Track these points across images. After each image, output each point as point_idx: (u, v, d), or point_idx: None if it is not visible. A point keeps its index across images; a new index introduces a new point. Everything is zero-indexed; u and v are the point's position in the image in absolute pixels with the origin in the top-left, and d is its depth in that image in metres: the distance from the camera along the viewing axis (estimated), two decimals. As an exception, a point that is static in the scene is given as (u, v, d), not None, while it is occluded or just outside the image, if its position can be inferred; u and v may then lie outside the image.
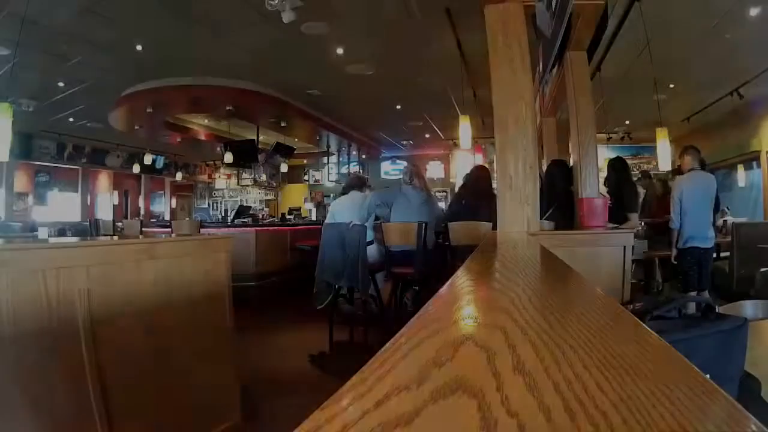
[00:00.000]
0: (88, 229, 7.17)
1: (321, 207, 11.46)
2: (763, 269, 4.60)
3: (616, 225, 3.03)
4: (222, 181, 14.11)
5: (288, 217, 8.99)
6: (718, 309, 1.24)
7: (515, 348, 0.35)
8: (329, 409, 0.25)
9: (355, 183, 4.20)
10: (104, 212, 11.54)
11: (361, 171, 12.27)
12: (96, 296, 1.55)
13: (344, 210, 3.90)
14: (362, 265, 3.24)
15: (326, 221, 4.25)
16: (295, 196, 14.11)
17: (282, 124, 8.20)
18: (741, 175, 7.38)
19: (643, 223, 4.29)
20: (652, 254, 4.05)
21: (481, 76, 5.83)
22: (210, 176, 14.31)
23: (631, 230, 2.61)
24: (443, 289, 0.64)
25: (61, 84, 6.25)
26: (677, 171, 4.70)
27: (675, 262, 3.70)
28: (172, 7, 4.24)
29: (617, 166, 3.80)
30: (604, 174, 3.99)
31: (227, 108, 6.91)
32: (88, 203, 10.99)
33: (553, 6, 1.98)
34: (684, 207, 3.55)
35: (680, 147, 9.73)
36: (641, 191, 6.10)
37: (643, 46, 4.50)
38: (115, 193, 12.48)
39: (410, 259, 3.28)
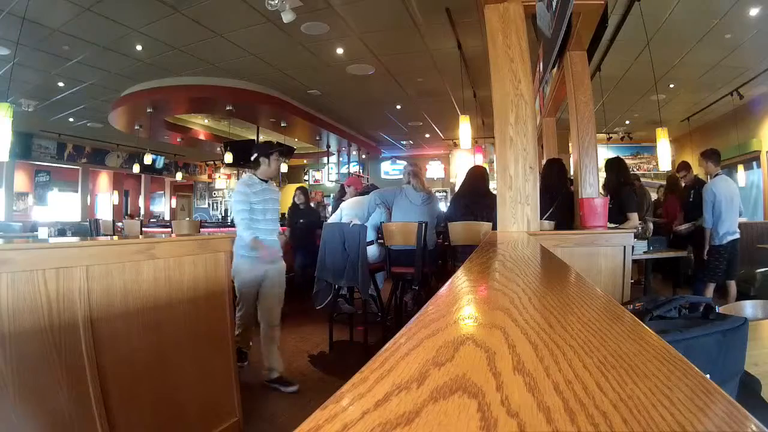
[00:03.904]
0: (88, 229, 7.18)
1: (321, 207, 11.45)
2: (763, 269, 4.62)
3: (616, 225, 3.03)
4: (222, 181, 14.12)
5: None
6: (718, 309, 1.24)
7: (515, 348, 0.35)
8: (329, 409, 0.25)
9: (369, 190, 4.32)
10: (104, 212, 11.55)
11: (361, 171, 12.27)
12: (96, 296, 1.55)
13: (350, 210, 3.93)
14: (362, 265, 3.24)
15: (329, 220, 4.26)
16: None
17: (282, 124, 8.20)
18: (741, 175, 7.38)
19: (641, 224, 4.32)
20: (652, 255, 4.06)
21: (481, 76, 5.85)
22: (210, 176, 14.32)
23: (631, 230, 2.61)
24: (443, 289, 0.64)
25: (61, 84, 6.26)
26: (682, 168, 4.80)
27: (706, 258, 4.06)
28: (172, 7, 4.24)
29: (615, 166, 3.82)
30: (604, 174, 4.01)
31: (227, 108, 6.91)
32: (88, 203, 10.99)
33: (554, 6, 1.98)
34: (718, 208, 3.93)
35: (680, 147, 9.76)
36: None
37: (643, 46, 4.50)
38: (115, 193, 12.49)
39: (410, 259, 3.28)
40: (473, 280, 0.81)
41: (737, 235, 3.99)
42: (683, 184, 5.09)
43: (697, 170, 5.49)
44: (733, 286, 4.07)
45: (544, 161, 4.63)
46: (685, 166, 4.98)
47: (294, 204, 5.20)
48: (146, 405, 1.73)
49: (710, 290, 4.05)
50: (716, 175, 4.06)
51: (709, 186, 4.07)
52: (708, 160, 4.11)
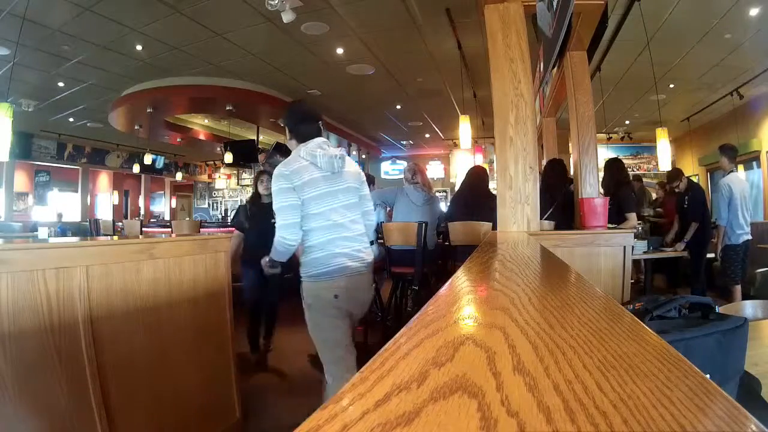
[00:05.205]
0: (88, 229, 7.17)
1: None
2: (763, 269, 4.61)
3: (614, 225, 3.04)
4: (222, 181, 14.12)
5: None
6: (718, 309, 1.24)
7: (515, 348, 0.35)
8: (329, 409, 0.25)
9: None
10: (104, 212, 11.55)
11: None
12: (96, 296, 1.55)
13: None
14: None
15: None
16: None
17: (282, 124, 8.19)
18: (741, 176, 7.37)
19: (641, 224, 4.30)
20: (652, 255, 4.05)
21: (481, 76, 5.84)
22: (210, 176, 14.32)
23: (631, 230, 2.61)
24: (443, 289, 0.64)
25: (61, 84, 6.25)
26: (674, 178, 4.73)
27: (720, 258, 3.96)
28: (172, 7, 4.24)
29: (613, 167, 3.82)
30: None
31: (227, 108, 6.91)
32: (88, 203, 10.99)
33: (554, 6, 1.98)
34: (735, 205, 3.80)
35: (680, 147, 9.73)
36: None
37: (643, 46, 4.50)
38: (115, 193, 12.49)
39: (410, 259, 3.27)
40: (473, 280, 0.81)
41: (750, 235, 3.90)
42: (676, 190, 4.96)
43: (694, 170, 5.47)
44: (738, 289, 3.95)
45: (544, 161, 4.63)
46: (676, 175, 4.71)
47: (255, 195, 3.34)
48: (146, 405, 1.72)
49: (738, 292, 3.89)
50: (730, 171, 3.96)
51: (725, 181, 3.92)
52: (724, 155, 3.98)
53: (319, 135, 1.93)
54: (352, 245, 1.83)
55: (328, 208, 1.79)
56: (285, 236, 1.76)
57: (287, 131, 1.95)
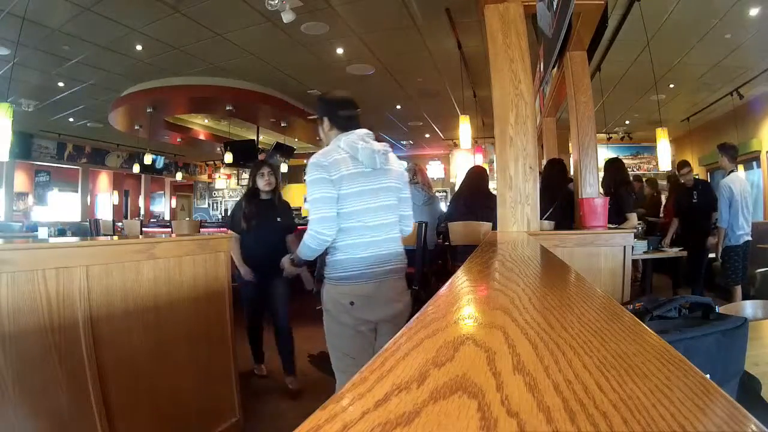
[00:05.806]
0: (88, 229, 7.17)
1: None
2: (762, 269, 4.61)
3: (614, 225, 3.04)
4: (222, 181, 14.12)
5: (288, 217, 8.99)
6: (718, 309, 1.24)
7: (515, 348, 0.35)
8: (329, 409, 0.25)
9: None
10: (104, 212, 11.55)
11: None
12: (96, 296, 1.55)
13: None
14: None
15: None
16: (295, 196, 14.12)
17: (282, 124, 8.20)
18: (741, 175, 7.37)
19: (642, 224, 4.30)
20: (652, 255, 4.05)
21: (481, 76, 5.84)
22: (210, 176, 14.32)
23: (631, 230, 2.61)
24: (443, 289, 0.64)
25: (61, 84, 6.25)
26: (684, 166, 4.71)
27: (721, 260, 3.90)
28: (172, 7, 4.24)
29: (613, 167, 3.82)
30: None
31: (227, 108, 6.91)
32: (88, 203, 10.99)
33: (555, 6, 1.98)
34: (735, 206, 3.75)
35: (680, 147, 9.73)
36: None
37: (643, 46, 4.50)
38: (115, 193, 12.49)
39: (410, 259, 3.27)
40: (473, 280, 0.81)
41: (750, 236, 3.86)
42: (683, 182, 4.91)
43: (694, 170, 5.45)
44: (738, 289, 3.92)
45: (544, 161, 4.63)
46: (686, 164, 4.77)
47: (253, 191, 2.84)
48: (146, 405, 1.73)
49: (738, 292, 3.86)
50: (731, 171, 3.90)
51: (726, 182, 3.88)
52: (724, 154, 3.91)
53: (359, 126, 1.74)
54: (380, 249, 1.66)
55: (362, 207, 1.62)
56: (320, 230, 1.57)
57: (326, 122, 1.76)
